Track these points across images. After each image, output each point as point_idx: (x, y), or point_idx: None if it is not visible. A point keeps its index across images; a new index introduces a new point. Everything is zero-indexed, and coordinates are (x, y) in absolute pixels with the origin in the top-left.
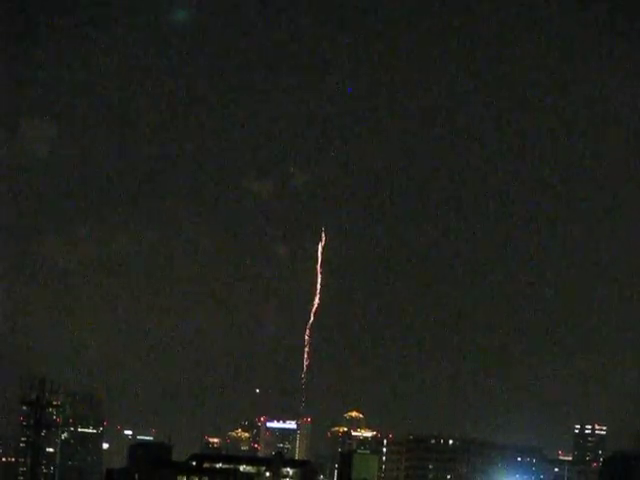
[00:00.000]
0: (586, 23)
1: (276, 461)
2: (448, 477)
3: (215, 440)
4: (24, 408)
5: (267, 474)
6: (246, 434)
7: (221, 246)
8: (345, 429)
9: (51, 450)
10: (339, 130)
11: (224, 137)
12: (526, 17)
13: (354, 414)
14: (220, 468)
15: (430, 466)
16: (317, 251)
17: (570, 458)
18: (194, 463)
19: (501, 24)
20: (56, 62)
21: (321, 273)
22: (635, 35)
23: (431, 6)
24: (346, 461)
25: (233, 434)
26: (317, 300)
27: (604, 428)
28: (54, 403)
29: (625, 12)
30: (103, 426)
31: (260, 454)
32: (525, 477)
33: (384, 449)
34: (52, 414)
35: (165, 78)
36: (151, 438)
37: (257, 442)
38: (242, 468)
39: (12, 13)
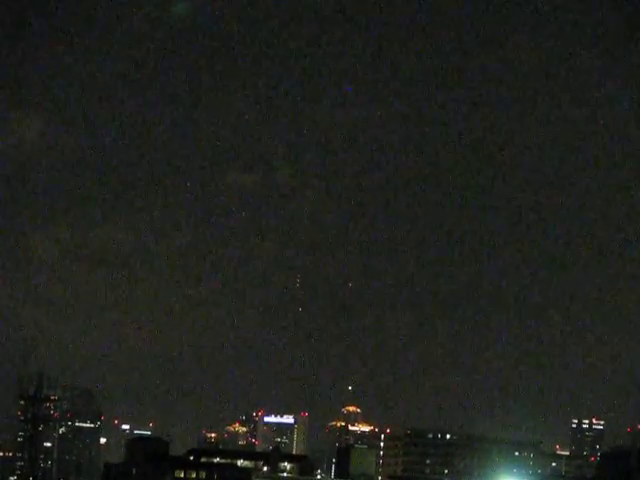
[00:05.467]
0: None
1: (274, 456)
2: (445, 472)
3: (213, 435)
4: (22, 403)
5: (265, 469)
6: (244, 428)
7: (205, 238)
8: (342, 423)
9: (49, 445)
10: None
11: (210, 131)
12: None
13: (351, 408)
14: (218, 463)
15: (427, 461)
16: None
17: (567, 453)
18: (192, 458)
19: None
20: (47, 55)
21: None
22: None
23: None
24: (344, 456)
25: (231, 428)
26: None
27: (601, 422)
28: (52, 398)
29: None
30: (100, 420)
31: (258, 449)
32: (522, 472)
33: (381, 444)
34: (50, 409)
35: (154, 73)
36: (149, 432)
37: (255, 437)
38: (240, 463)
39: (5, 6)
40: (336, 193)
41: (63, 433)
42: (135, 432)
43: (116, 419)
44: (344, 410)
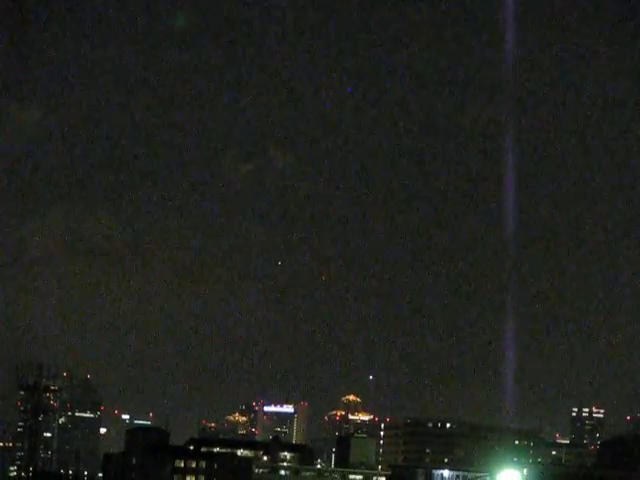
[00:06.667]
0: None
1: (273, 445)
2: (445, 460)
3: (212, 424)
4: (22, 393)
5: (265, 458)
6: (243, 418)
7: (202, 227)
8: (342, 413)
9: (48, 435)
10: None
11: (207, 120)
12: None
13: (351, 398)
14: (218, 452)
15: (428, 450)
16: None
17: (568, 441)
18: (191, 447)
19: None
20: (45, 49)
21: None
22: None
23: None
24: (344, 445)
25: (230, 418)
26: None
27: (601, 411)
28: (51, 388)
29: None
30: (100, 411)
31: (258, 438)
32: (522, 460)
33: (382, 433)
34: (49, 399)
35: (151, 63)
36: (148, 422)
37: (254, 426)
38: (240, 452)
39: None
40: (333, 182)
41: (63, 423)
42: (135, 422)
43: (116, 409)
44: (344, 399)
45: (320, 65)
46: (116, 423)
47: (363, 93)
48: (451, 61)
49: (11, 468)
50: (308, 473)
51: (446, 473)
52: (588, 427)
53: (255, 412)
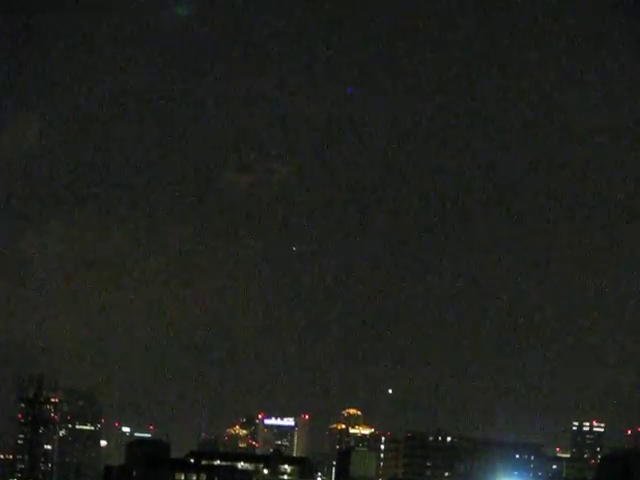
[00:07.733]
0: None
1: (274, 458)
2: (446, 474)
3: (213, 437)
4: (22, 405)
5: (265, 471)
6: (244, 431)
7: (202, 238)
8: (343, 426)
9: (49, 447)
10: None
11: (206, 130)
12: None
13: (352, 411)
14: (218, 465)
15: (428, 463)
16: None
17: (568, 455)
18: (192, 460)
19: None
20: (46, 56)
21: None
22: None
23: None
24: (344, 458)
25: (231, 431)
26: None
27: (602, 425)
28: (52, 400)
29: None
30: (101, 423)
31: (258, 451)
32: (523, 474)
33: (382, 446)
34: (50, 411)
35: (149, 73)
36: (149, 435)
37: (255, 439)
38: (240, 465)
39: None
40: (333, 194)
41: (63, 436)
42: (135, 434)
43: (116, 422)
44: (345, 413)
45: (320, 70)
46: (116, 436)
47: (364, 100)
48: (456, 63)
49: None
50: None
51: None
52: (589, 441)
53: (256, 425)
